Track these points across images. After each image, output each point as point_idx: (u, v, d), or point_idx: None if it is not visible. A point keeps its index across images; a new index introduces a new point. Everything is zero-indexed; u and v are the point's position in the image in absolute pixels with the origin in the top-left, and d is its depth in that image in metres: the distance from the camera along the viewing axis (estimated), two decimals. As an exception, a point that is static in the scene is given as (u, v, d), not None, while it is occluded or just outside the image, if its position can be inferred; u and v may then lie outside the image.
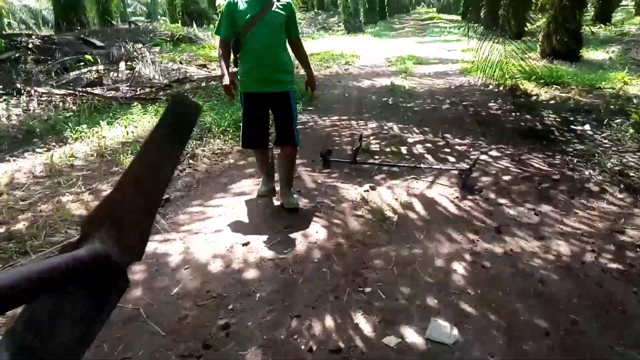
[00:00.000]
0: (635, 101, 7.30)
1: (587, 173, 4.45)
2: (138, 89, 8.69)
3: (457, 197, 3.88)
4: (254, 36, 3.18)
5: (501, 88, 8.89)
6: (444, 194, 3.95)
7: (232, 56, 3.39)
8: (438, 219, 3.52)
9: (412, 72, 11.06)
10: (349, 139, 5.59)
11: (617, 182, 4.23)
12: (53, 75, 9.30)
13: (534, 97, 8.23)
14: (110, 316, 0.72)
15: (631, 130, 5.81)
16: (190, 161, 4.66)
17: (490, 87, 9.09)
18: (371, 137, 5.62)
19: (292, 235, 3.21)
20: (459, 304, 2.54)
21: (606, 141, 5.66)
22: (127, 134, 5.40)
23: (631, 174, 4.43)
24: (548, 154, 5.14)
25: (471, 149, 5.24)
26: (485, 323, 2.39)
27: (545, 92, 8.65)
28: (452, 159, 4.88)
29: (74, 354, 0.66)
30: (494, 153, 5.12)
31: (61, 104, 7.45)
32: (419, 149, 5.23)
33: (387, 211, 3.59)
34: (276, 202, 3.71)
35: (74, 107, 7.09)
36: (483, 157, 4.99)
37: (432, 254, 3.02)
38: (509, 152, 5.18)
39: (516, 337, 2.29)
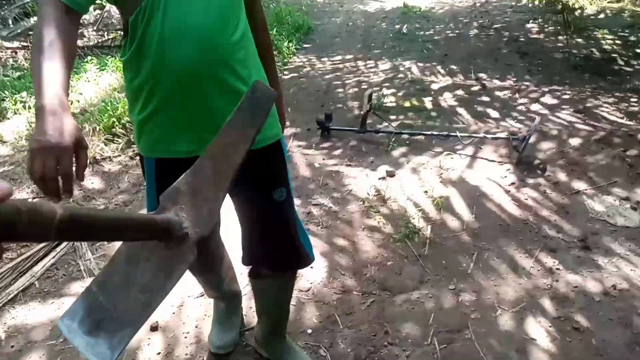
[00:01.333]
0: None
1: (685, 126, 3.23)
2: (106, 34, 7.38)
3: (512, 183, 2.72)
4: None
5: (537, 2, 7.37)
6: (493, 177, 2.79)
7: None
8: (491, 226, 2.39)
9: (426, -12, 9.43)
10: (356, 89, 4.35)
11: None
12: (10, 23, 7.97)
13: (578, 12, 6.74)
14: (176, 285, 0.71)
15: None
16: (96, 167, 3.16)
17: (524, 1, 7.55)
18: (383, 86, 4.37)
19: (275, 278, 2.12)
20: None
21: (689, 69, 4.35)
22: (71, 103, 4.22)
23: None
24: (618, 95, 3.89)
25: (517, 96, 3.99)
26: None
27: (591, 4, 7.12)
28: (494, 114, 3.66)
29: (138, 317, 0.70)
30: (548, 100, 3.86)
31: (11, 60, 6.26)
32: (447, 99, 3.99)
33: (414, 218, 2.47)
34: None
35: (27, 65, 5.89)
36: (534, 106, 3.75)
37: (491, 304, 1.93)
38: (567, 96, 3.92)
39: None
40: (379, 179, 2.85)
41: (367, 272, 2.13)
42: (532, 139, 3.05)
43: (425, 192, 2.68)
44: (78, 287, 2.15)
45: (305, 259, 1.42)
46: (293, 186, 1.50)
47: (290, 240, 1.37)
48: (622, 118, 3.43)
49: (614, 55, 4.82)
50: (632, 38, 5.36)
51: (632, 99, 3.79)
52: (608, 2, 7.27)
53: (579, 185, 2.67)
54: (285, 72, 4.93)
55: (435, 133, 3.15)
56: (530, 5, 7.26)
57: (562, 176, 2.76)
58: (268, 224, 1.35)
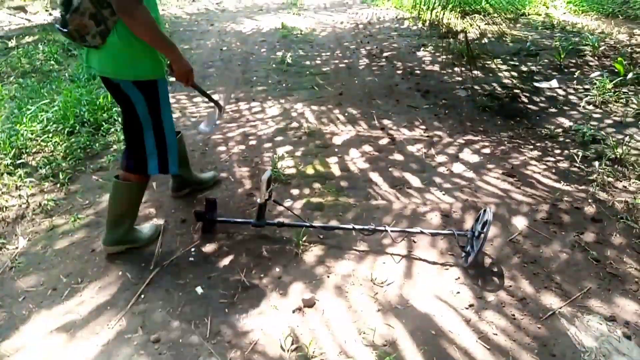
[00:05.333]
0: (589, 35, 5.85)
1: (626, 194, 2.85)
2: None
3: (471, 305, 2.05)
4: None
5: (420, 25, 7.07)
6: (443, 295, 2.10)
7: None
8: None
9: (302, 4, 8.81)
10: (242, 147, 3.47)
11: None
12: None
13: (462, 34, 6.52)
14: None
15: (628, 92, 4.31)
16: None
17: (406, 23, 7.22)
18: (276, 140, 3.55)
19: None
20: None
21: (591, 107, 4.14)
22: None
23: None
24: (540, 145, 3.49)
25: (432, 151, 3.40)
26: None
27: (471, 26, 6.98)
28: (414, 181, 3.02)
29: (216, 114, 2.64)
30: (468, 156, 3.33)
31: None
32: (356, 160, 3.28)
33: (357, 395, 1.67)
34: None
35: None
36: (457, 167, 3.19)
37: None
38: (486, 149, 3.42)
39: None
40: (294, 311, 2.02)
41: None
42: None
43: (363, 336, 1.90)
44: None
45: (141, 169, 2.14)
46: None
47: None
48: (559, 181, 2.98)
49: (517, 91, 4.51)
50: (524, 68, 5.15)
51: (555, 150, 3.40)
52: (485, 25, 7.19)
53: (550, 300, 2.07)
54: (148, 122, 3.87)
55: (357, 227, 2.39)
56: (414, 28, 6.94)
57: (525, 285, 2.15)
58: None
